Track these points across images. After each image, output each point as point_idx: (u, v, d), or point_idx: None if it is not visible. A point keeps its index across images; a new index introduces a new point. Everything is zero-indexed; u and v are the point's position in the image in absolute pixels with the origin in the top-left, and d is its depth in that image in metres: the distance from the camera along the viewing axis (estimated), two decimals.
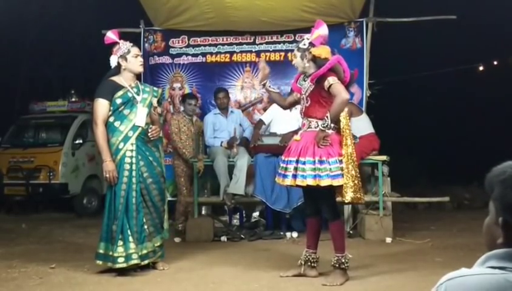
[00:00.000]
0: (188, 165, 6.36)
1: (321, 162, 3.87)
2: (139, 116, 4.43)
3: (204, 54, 7.22)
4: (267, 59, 6.82)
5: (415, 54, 12.41)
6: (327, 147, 3.91)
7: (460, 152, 13.21)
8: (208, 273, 4.40)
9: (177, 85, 7.28)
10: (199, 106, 6.89)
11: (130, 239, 4.26)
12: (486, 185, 1.22)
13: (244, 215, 6.78)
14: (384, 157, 5.99)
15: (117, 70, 4.49)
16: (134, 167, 4.36)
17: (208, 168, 6.17)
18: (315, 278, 4.11)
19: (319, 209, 4.14)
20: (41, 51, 13.63)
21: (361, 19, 6.92)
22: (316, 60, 4.02)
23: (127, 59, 4.46)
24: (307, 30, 4.17)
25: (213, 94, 6.71)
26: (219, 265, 4.67)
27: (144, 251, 4.35)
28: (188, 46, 7.24)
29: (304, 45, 4.07)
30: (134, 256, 4.25)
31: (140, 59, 4.57)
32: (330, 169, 3.86)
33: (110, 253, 4.29)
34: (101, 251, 4.38)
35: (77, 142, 9.16)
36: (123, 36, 4.66)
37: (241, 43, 7.17)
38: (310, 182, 3.88)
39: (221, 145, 6.28)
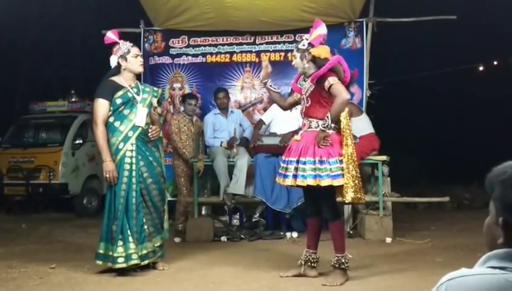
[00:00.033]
0: (188, 165, 6.36)
1: (321, 162, 3.87)
2: (139, 116, 4.43)
3: (204, 55, 7.22)
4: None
5: (415, 54, 12.41)
6: (327, 147, 3.91)
7: (460, 152, 13.21)
8: (208, 273, 4.40)
9: (177, 85, 7.28)
10: (199, 106, 6.89)
11: (130, 239, 4.26)
12: (486, 185, 1.22)
13: (244, 217, 6.77)
14: (384, 157, 5.99)
15: (117, 70, 4.49)
16: (134, 167, 4.36)
17: (209, 168, 6.17)
18: (315, 278, 4.11)
19: (319, 209, 4.14)
20: (41, 51, 13.63)
21: (361, 19, 6.91)
22: (316, 61, 4.02)
23: (127, 59, 4.46)
24: (307, 30, 4.17)
25: (213, 94, 6.71)
26: (219, 265, 4.67)
27: (144, 252, 4.35)
28: (188, 46, 7.24)
29: (304, 45, 4.06)
30: (134, 256, 4.25)
31: (140, 59, 4.57)
32: (331, 169, 3.86)
33: (110, 253, 4.29)
34: (101, 251, 4.38)
35: (77, 142, 9.16)
36: (123, 36, 4.66)
37: (241, 44, 7.17)
38: (310, 182, 3.88)
39: (220, 145, 6.28)
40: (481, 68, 13.08)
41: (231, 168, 6.07)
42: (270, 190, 5.90)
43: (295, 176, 3.95)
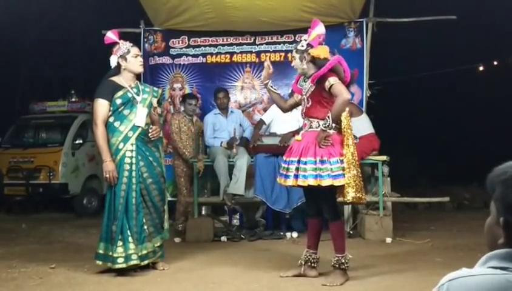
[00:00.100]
0: (188, 165, 6.36)
1: (322, 162, 3.87)
2: (139, 116, 4.42)
3: (204, 55, 7.22)
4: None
5: (415, 54, 12.41)
6: (328, 147, 3.91)
7: (460, 152, 13.21)
8: (208, 273, 4.40)
9: (177, 85, 7.29)
10: (199, 106, 6.89)
11: (130, 239, 4.26)
12: (487, 186, 1.22)
13: (244, 218, 6.76)
14: (384, 158, 5.99)
15: (117, 70, 4.49)
16: (134, 167, 4.36)
17: (209, 168, 6.16)
18: (315, 278, 4.11)
19: (320, 210, 4.14)
20: (41, 51, 13.63)
21: (361, 19, 6.91)
22: (316, 61, 4.01)
23: (127, 59, 4.45)
24: (307, 30, 4.16)
25: (213, 94, 6.71)
26: (219, 265, 4.66)
27: (144, 252, 4.35)
28: (188, 46, 7.24)
29: (302, 46, 4.06)
30: (134, 256, 4.25)
31: (140, 59, 4.56)
32: (332, 169, 3.86)
33: (110, 253, 4.29)
34: (101, 251, 4.38)
35: (77, 142, 9.17)
36: (123, 36, 4.66)
37: (241, 44, 7.17)
38: (311, 182, 3.87)
39: (220, 145, 6.28)
40: (481, 68, 13.09)
41: (231, 168, 6.07)
42: (270, 190, 5.90)
43: (296, 176, 3.95)
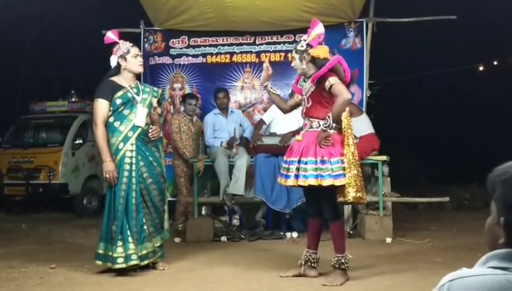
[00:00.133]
0: (188, 165, 6.36)
1: (322, 162, 3.87)
2: (139, 116, 4.42)
3: (204, 55, 7.22)
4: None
5: (415, 54, 12.41)
6: (328, 147, 3.91)
7: (460, 152, 13.21)
8: (208, 273, 4.40)
9: (177, 85, 7.29)
10: (199, 106, 6.89)
11: (130, 239, 4.26)
12: (488, 185, 1.22)
13: (243, 218, 6.75)
14: (384, 157, 5.99)
15: (117, 70, 4.49)
16: (134, 167, 4.36)
17: (209, 168, 6.16)
18: (315, 278, 4.11)
19: (320, 210, 4.14)
20: (41, 51, 13.62)
21: (361, 19, 6.91)
22: (316, 61, 4.01)
23: (127, 59, 4.45)
24: (307, 30, 4.16)
25: (213, 94, 6.71)
26: (219, 265, 4.66)
27: (144, 252, 4.35)
28: (188, 46, 7.24)
29: (302, 46, 4.05)
30: (134, 256, 4.25)
31: (140, 59, 4.56)
32: (332, 169, 3.86)
33: (110, 254, 4.29)
34: (101, 251, 4.38)
35: (77, 142, 9.17)
36: (123, 36, 4.66)
37: (241, 44, 7.17)
38: (312, 182, 3.87)
39: (220, 145, 6.28)
40: (481, 68, 13.10)
41: (231, 168, 6.07)
42: (270, 190, 5.90)
43: (296, 176, 3.95)
